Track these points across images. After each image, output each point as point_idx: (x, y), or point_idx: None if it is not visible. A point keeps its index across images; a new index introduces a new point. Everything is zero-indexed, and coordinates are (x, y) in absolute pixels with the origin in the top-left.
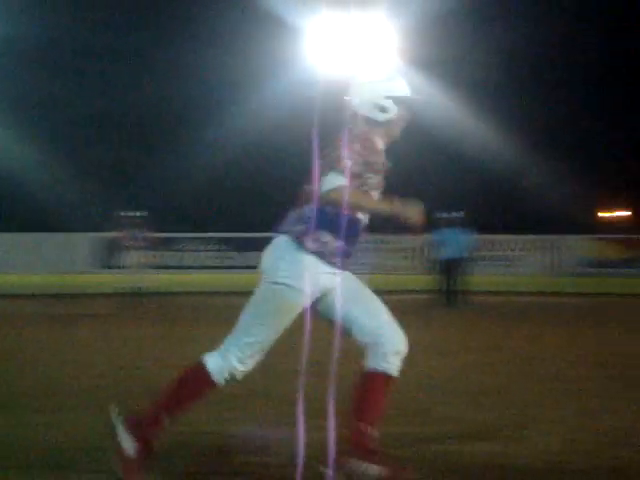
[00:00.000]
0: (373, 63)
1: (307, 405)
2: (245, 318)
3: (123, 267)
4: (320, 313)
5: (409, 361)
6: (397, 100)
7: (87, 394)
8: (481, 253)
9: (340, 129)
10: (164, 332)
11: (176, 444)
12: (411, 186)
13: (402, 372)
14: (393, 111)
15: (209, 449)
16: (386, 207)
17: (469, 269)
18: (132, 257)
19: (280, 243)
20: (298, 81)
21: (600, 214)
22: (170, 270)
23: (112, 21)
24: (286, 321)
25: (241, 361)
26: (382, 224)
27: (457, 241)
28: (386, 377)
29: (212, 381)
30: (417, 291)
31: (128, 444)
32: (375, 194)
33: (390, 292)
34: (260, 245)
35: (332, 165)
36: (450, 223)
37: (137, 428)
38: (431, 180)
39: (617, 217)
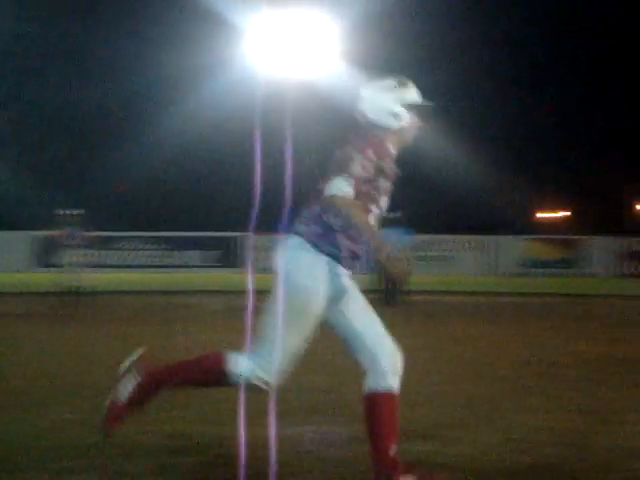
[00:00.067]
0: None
1: (249, 404)
2: (268, 325)
3: (61, 266)
4: (328, 319)
5: (345, 360)
6: (409, 107)
7: (15, 395)
8: (419, 253)
9: (352, 134)
10: (100, 331)
11: (114, 443)
12: None
13: (339, 371)
14: (405, 118)
15: (146, 448)
16: (374, 239)
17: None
18: (70, 256)
19: (295, 244)
20: (237, 80)
21: (538, 214)
22: (109, 269)
23: (49, 19)
24: (309, 326)
25: (264, 369)
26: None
27: (398, 241)
28: (389, 395)
29: (227, 381)
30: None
31: (124, 391)
32: (384, 199)
33: None
34: (199, 244)
35: (339, 169)
36: (388, 223)
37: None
38: None
39: (555, 218)
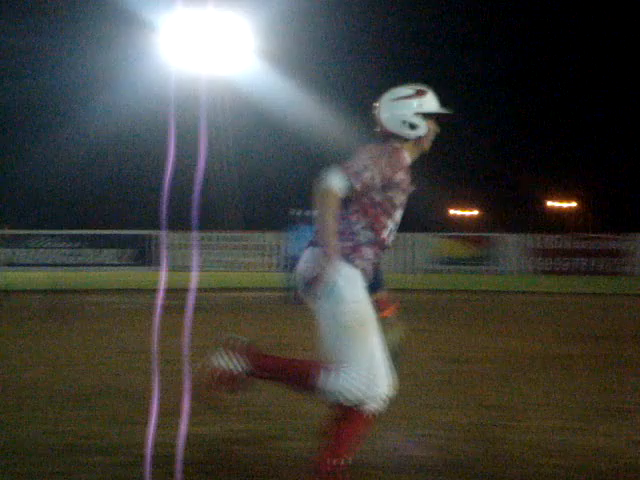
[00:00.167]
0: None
1: (161, 403)
2: (344, 349)
3: None
4: None
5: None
6: (426, 116)
7: None
8: None
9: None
10: (10, 330)
11: (24, 443)
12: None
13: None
14: (423, 128)
15: (55, 448)
16: (328, 245)
17: None
18: None
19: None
20: (151, 78)
21: (452, 212)
22: (23, 267)
23: None
24: (376, 329)
25: (364, 382)
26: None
27: (307, 238)
28: (366, 416)
29: (315, 387)
30: (272, 288)
31: (237, 364)
32: (399, 212)
33: (245, 289)
34: (114, 242)
35: (346, 167)
36: (306, 220)
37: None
38: (287, 177)
39: (467, 215)
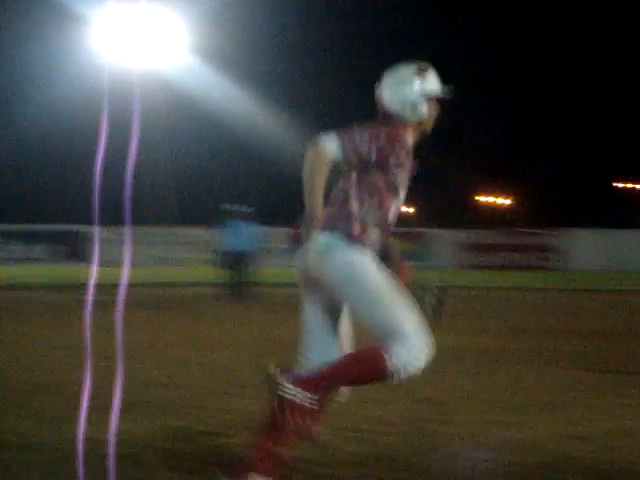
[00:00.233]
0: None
1: (94, 399)
2: (385, 323)
3: None
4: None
5: (188, 354)
6: (429, 96)
7: None
8: (268, 246)
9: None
10: None
11: None
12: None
13: (181, 365)
14: (425, 108)
15: None
16: (312, 207)
17: (257, 262)
18: None
19: (338, 245)
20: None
21: None
22: None
23: None
24: (403, 294)
25: (417, 353)
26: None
27: (244, 234)
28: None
29: (387, 371)
30: (204, 284)
31: (302, 396)
32: (402, 192)
33: (176, 285)
34: (43, 237)
35: (341, 131)
36: (237, 215)
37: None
38: (220, 172)
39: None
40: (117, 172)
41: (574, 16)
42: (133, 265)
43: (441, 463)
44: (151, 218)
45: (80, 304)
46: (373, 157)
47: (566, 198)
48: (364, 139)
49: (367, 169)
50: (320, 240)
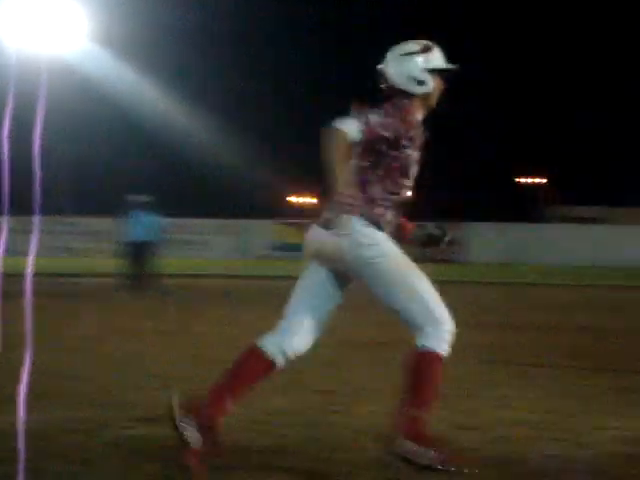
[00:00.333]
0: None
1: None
2: (405, 296)
3: None
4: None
5: (93, 345)
6: (434, 71)
7: None
8: (171, 236)
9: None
10: None
11: None
12: (102, 167)
13: (86, 355)
14: (430, 83)
15: None
16: (338, 190)
17: (159, 252)
18: None
19: (361, 229)
20: None
21: (289, 199)
22: None
23: None
24: (420, 273)
25: (448, 321)
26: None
27: (146, 224)
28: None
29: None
30: (107, 274)
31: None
32: (414, 169)
33: (79, 275)
34: None
35: (357, 114)
36: (139, 206)
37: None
38: (122, 162)
39: (305, 202)
40: (23, 161)
41: (484, 16)
42: (37, 255)
43: (337, 454)
44: (54, 208)
45: None
46: (390, 138)
47: (468, 192)
48: (380, 120)
49: (383, 150)
50: (342, 223)
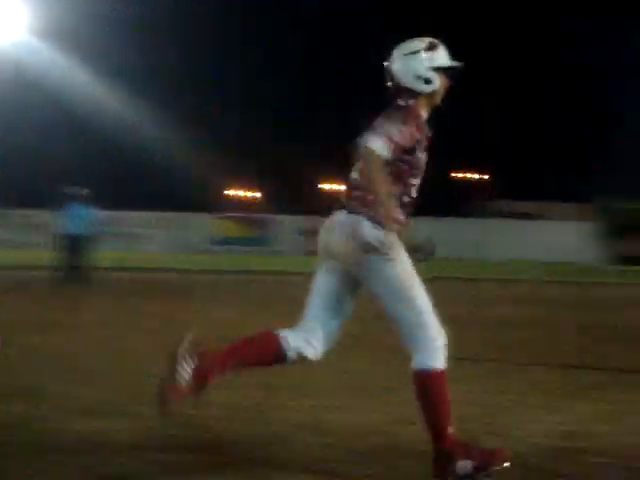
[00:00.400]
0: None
1: None
2: (409, 314)
3: None
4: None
5: (30, 338)
6: (439, 69)
7: None
8: (109, 229)
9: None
10: None
11: None
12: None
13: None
14: (436, 82)
15: None
16: (387, 210)
17: (95, 245)
18: None
19: (371, 232)
20: None
21: (228, 193)
22: None
23: None
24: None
25: (441, 334)
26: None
27: (82, 217)
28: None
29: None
30: (43, 267)
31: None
32: (422, 170)
33: (16, 268)
34: None
35: (380, 130)
36: (75, 198)
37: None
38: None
39: (244, 197)
40: None
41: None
42: None
43: (275, 448)
44: None
45: None
46: (407, 146)
47: None
48: (400, 134)
49: (397, 157)
50: (353, 224)
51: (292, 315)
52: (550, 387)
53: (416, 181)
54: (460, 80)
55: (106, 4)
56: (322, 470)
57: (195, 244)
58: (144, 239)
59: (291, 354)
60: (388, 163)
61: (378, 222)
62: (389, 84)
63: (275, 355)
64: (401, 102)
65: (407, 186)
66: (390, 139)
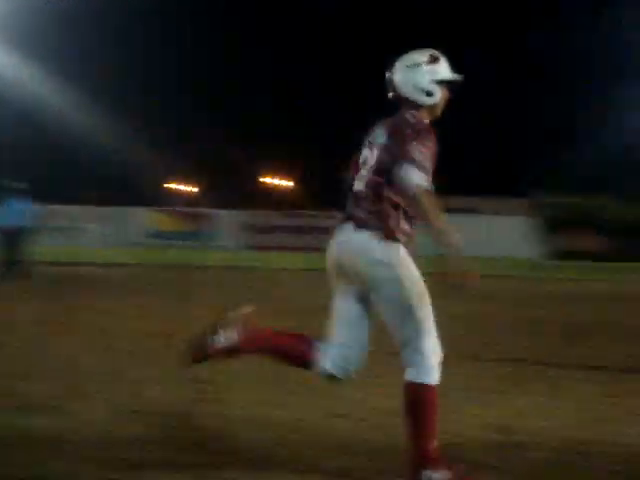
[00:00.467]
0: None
1: None
2: (412, 327)
3: None
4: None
5: None
6: (441, 82)
7: None
8: (45, 223)
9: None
10: None
11: None
12: None
13: None
14: (438, 94)
15: None
16: (448, 238)
17: (31, 239)
18: None
19: (373, 244)
20: None
21: (167, 186)
22: None
23: None
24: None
25: (436, 349)
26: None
27: (18, 210)
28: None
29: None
30: None
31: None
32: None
33: None
34: None
35: (415, 163)
36: (13, 192)
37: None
38: None
39: (181, 190)
40: None
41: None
42: None
43: (211, 443)
44: None
45: None
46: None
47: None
48: (430, 160)
49: None
50: (361, 238)
51: (229, 308)
52: (486, 382)
53: None
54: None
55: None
56: (255, 463)
57: (131, 238)
58: (81, 233)
59: (318, 368)
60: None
61: (389, 237)
62: (390, 94)
63: (303, 360)
64: (410, 117)
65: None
66: (428, 171)
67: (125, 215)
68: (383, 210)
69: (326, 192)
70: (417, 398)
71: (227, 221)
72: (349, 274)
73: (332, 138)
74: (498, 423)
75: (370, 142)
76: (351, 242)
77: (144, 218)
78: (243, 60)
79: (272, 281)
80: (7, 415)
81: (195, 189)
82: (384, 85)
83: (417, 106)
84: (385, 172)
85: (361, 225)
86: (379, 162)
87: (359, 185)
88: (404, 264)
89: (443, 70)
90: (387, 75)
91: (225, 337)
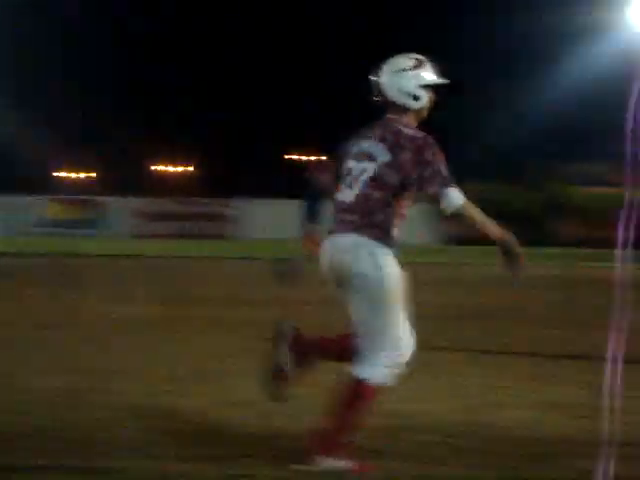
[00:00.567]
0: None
1: None
2: (383, 325)
3: None
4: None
5: None
6: (428, 86)
7: None
8: None
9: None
10: None
11: None
12: None
13: None
14: (425, 98)
15: None
16: (500, 233)
17: None
18: None
19: (363, 241)
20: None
21: (57, 174)
22: None
23: None
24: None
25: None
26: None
27: None
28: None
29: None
30: None
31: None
32: None
33: None
34: None
35: (442, 179)
36: None
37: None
38: None
39: (74, 178)
40: None
41: None
42: None
43: (97, 434)
44: None
45: None
46: None
47: (242, 169)
48: (447, 167)
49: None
50: (351, 239)
51: (124, 296)
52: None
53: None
54: None
55: None
56: (143, 454)
57: (18, 227)
58: None
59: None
60: (404, 187)
61: (381, 241)
62: (376, 98)
63: (346, 356)
64: (410, 132)
65: (403, 206)
66: (454, 180)
67: (13, 203)
68: (379, 219)
69: (221, 180)
70: (360, 395)
71: (120, 208)
72: (340, 276)
73: (229, 126)
74: (385, 407)
75: (357, 154)
76: (341, 243)
77: (31, 207)
78: (142, 51)
79: (165, 269)
80: None
81: (88, 175)
82: (370, 88)
83: (404, 110)
84: (391, 187)
85: (351, 230)
86: (380, 177)
87: (347, 196)
88: (390, 265)
89: (429, 74)
90: (373, 79)
91: (285, 355)
